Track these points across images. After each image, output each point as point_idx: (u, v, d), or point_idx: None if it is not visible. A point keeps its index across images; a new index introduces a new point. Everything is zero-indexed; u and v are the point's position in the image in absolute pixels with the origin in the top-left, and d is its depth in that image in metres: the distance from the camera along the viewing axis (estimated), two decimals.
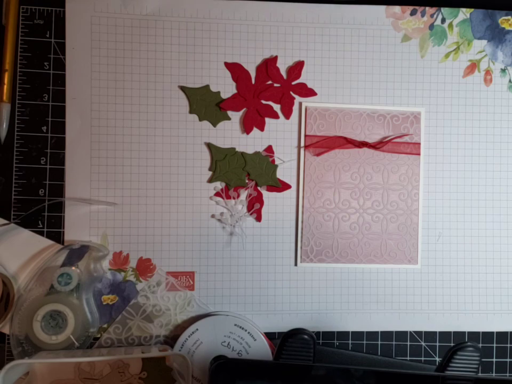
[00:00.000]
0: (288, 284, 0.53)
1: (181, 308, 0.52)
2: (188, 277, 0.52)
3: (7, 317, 0.48)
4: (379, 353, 0.54)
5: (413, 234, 0.54)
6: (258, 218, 0.53)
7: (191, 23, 0.52)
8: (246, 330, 0.50)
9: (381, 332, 0.54)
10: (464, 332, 0.54)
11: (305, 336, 0.41)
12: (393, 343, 0.54)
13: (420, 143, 0.54)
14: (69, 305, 0.47)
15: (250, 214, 0.52)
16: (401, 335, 0.54)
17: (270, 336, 0.52)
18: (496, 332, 0.54)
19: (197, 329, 0.50)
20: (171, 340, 0.51)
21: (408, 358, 0.54)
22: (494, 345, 0.54)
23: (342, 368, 0.42)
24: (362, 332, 0.54)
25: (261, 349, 0.50)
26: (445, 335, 0.54)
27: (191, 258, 0.52)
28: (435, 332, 0.54)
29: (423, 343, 0.54)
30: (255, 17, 0.53)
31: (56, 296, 0.48)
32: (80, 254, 0.48)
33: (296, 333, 0.41)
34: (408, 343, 0.54)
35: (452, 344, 0.53)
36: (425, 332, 0.54)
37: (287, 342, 0.41)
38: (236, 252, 0.52)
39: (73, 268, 0.48)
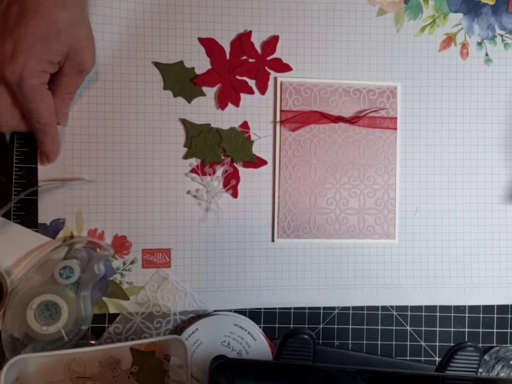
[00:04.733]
0: (265, 260, 0.53)
1: (181, 308, 0.51)
2: (164, 254, 0.52)
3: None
4: (379, 353, 0.54)
5: (390, 209, 0.53)
6: (235, 195, 0.52)
7: None
8: (246, 330, 0.50)
9: (367, 307, 0.54)
10: (464, 331, 0.54)
11: (305, 336, 0.41)
12: (393, 343, 0.54)
13: (396, 118, 0.53)
14: (65, 298, 0.47)
15: (226, 190, 0.52)
16: (401, 333, 0.54)
17: (242, 312, 0.52)
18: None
19: (197, 329, 0.50)
20: None
21: (408, 358, 0.54)
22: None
23: (342, 368, 0.42)
24: (362, 331, 0.53)
25: (261, 349, 0.50)
26: (445, 335, 0.54)
27: (167, 235, 0.52)
28: (434, 331, 0.54)
29: (423, 343, 0.54)
30: None
31: (54, 287, 0.47)
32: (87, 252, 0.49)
33: (296, 333, 0.41)
34: (408, 343, 0.54)
35: (452, 344, 0.52)
36: (398, 306, 0.54)
37: (287, 342, 0.41)
38: (212, 229, 0.52)
39: (76, 261, 0.48)
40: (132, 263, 0.51)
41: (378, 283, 0.54)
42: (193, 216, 0.52)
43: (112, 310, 0.51)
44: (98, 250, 0.49)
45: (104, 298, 0.51)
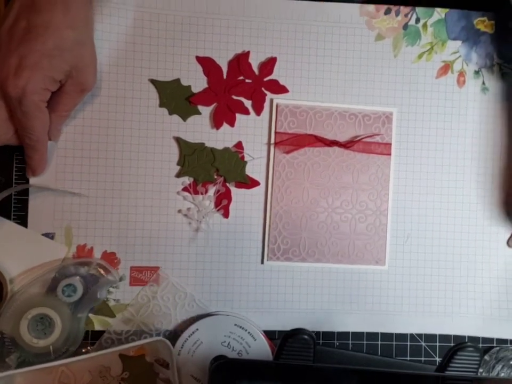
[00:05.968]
0: (254, 281, 0.52)
1: (181, 308, 0.51)
2: (152, 272, 0.51)
3: None
4: (379, 353, 0.53)
5: (381, 235, 0.53)
6: (226, 215, 0.52)
7: (163, 15, 0.51)
8: (246, 330, 0.50)
9: (352, 332, 0.53)
10: (464, 335, 0.54)
11: (305, 336, 0.40)
12: (393, 343, 0.54)
13: (390, 144, 0.53)
14: (61, 315, 0.47)
15: (218, 210, 0.52)
16: (401, 334, 0.54)
17: None
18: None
19: (197, 329, 0.50)
20: (171, 340, 0.50)
21: (408, 358, 0.54)
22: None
23: (342, 368, 0.42)
24: (362, 332, 0.53)
25: (261, 349, 0.50)
26: (445, 335, 0.54)
27: (156, 253, 0.52)
28: (433, 334, 0.54)
29: (423, 344, 0.54)
30: (228, 12, 0.52)
31: (54, 302, 0.47)
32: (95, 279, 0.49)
33: (296, 333, 0.41)
34: (408, 343, 0.54)
35: (452, 344, 0.52)
36: (388, 334, 0.54)
37: (287, 342, 0.41)
38: (202, 248, 0.52)
39: (81, 281, 0.48)
40: (119, 280, 0.51)
41: (367, 309, 0.53)
42: (183, 235, 0.52)
43: (97, 327, 0.50)
44: (105, 275, 0.49)
45: (90, 315, 0.50)
